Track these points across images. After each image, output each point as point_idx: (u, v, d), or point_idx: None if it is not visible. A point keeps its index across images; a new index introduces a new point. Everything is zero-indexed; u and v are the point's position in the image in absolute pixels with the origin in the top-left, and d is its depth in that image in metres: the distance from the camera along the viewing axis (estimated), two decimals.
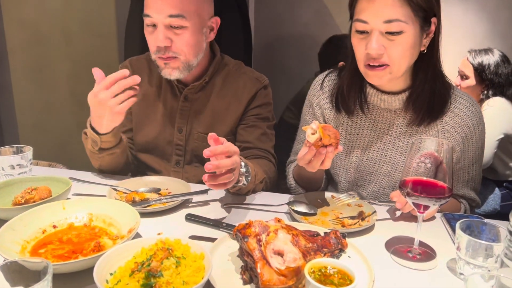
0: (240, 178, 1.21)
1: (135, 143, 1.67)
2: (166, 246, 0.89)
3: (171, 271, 0.81)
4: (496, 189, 2.64)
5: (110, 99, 1.28)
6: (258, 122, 1.60)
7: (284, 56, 3.94)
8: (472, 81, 2.55)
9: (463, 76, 2.59)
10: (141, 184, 1.39)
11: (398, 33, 1.17)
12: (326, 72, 1.52)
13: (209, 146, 1.50)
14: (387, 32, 1.18)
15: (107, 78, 1.28)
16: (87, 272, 0.91)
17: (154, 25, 1.39)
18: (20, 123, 2.99)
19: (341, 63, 2.76)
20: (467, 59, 2.57)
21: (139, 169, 1.69)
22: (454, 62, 2.56)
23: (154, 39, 1.40)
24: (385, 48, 1.20)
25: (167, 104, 1.59)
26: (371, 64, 1.23)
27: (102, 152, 1.43)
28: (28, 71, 2.93)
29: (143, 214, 1.17)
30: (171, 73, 1.45)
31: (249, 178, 1.25)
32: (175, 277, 0.81)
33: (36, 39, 2.91)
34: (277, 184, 1.72)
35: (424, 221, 1.14)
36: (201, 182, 1.40)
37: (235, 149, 1.14)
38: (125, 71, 1.29)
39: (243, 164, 1.22)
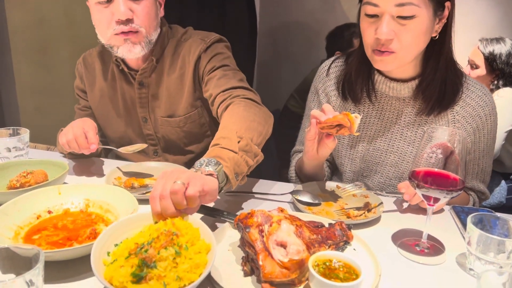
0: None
1: (109, 140, 1.63)
2: (174, 229, 0.81)
3: (167, 262, 0.75)
4: (503, 181, 2.59)
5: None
6: (210, 74, 1.40)
7: (290, 43, 3.86)
8: (482, 70, 2.49)
9: (473, 66, 2.52)
10: (140, 169, 1.35)
11: (410, 17, 1.12)
12: (332, 58, 1.47)
13: (175, 129, 1.51)
14: (398, 17, 1.12)
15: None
16: (82, 260, 0.87)
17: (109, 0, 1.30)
18: (21, 106, 2.95)
19: (337, 53, 2.71)
20: (478, 48, 2.50)
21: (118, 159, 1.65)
22: (464, 51, 2.49)
23: (111, 13, 1.30)
24: (395, 34, 1.14)
25: (125, 94, 1.51)
26: (381, 49, 1.18)
27: (70, 155, 1.45)
28: (30, 54, 2.88)
29: (142, 201, 1.13)
30: (132, 49, 1.35)
31: (215, 167, 0.95)
32: (170, 270, 0.74)
33: (38, 21, 2.86)
34: (281, 173, 1.68)
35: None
36: (187, 166, 1.37)
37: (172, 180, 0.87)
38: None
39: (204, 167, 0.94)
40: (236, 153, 1.01)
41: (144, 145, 1.37)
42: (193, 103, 1.48)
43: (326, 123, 1.11)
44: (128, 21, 1.31)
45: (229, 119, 1.14)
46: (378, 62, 1.21)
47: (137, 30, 1.34)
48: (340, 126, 1.09)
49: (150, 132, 1.54)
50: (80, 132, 1.26)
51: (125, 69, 1.47)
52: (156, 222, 0.87)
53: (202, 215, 1.04)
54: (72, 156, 1.45)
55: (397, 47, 1.16)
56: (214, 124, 1.55)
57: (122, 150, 1.36)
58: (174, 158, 1.56)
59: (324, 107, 1.15)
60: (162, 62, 1.47)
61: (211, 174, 0.92)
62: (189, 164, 1.29)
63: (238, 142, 1.03)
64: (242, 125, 1.09)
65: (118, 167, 1.32)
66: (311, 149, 1.21)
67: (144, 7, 1.33)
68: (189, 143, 1.55)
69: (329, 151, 1.20)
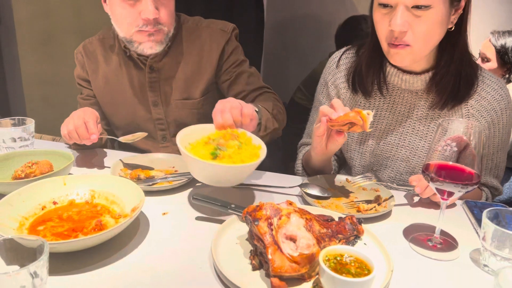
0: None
1: (114, 128, 1.61)
2: (234, 133, 1.08)
3: (233, 149, 1.04)
4: None
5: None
6: (238, 69, 1.53)
7: (297, 35, 3.82)
8: (493, 64, 2.44)
9: (484, 59, 2.48)
10: (146, 161, 1.33)
11: (426, 7, 1.08)
12: (343, 50, 1.43)
13: (189, 111, 1.52)
14: (413, 7, 1.08)
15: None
16: (87, 252, 0.86)
17: None
18: (27, 96, 2.95)
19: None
20: (489, 40, 2.45)
21: (127, 151, 1.63)
22: (476, 43, 2.44)
23: (138, 11, 1.31)
24: (409, 25, 1.11)
25: (134, 80, 1.51)
26: (394, 43, 1.14)
27: (74, 145, 1.42)
28: (36, 44, 2.87)
29: (148, 193, 1.12)
30: (154, 46, 1.38)
31: (259, 107, 1.29)
32: (236, 154, 1.03)
33: (44, 12, 2.84)
34: (288, 166, 1.66)
35: None
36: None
37: (230, 102, 1.14)
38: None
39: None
40: (270, 113, 1.39)
41: (144, 134, 1.35)
42: (210, 87, 1.53)
43: (337, 122, 1.08)
44: (155, 20, 1.33)
45: (266, 99, 1.47)
46: (394, 56, 1.17)
47: (160, 29, 1.36)
48: (351, 123, 1.07)
49: (160, 116, 1.53)
50: (81, 123, 1.25)
51: (134, 55, 1.47)
52: None
53: (195, 217, 1.02)
54: (76, 146, 1.43)
55: (411, 39, 1.12)
56: None
57: (122, 139, 1.34)
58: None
59: (334, 103, 1.11)
60: (175, 47, 1.49)
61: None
62: None
63: (269, 110, 1.39)
64: (271, 104, 1.43)
65: (120, 159, 1.31)
66: (319, 144, 1.18)
67: (168, 3, 1.35)
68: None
69: (338, 146, 1.17)
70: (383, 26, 1.15)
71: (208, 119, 1.53)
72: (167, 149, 1.54)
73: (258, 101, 1.45)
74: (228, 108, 1.10)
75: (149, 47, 1.38)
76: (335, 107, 1.10)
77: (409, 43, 1.13)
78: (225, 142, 1.06)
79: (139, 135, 1.34)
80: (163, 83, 1.50)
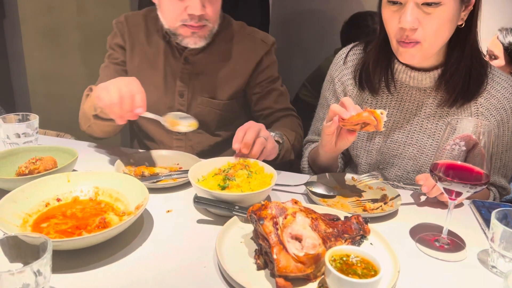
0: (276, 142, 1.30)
1: None
2: (245, 163, 1.13)
3: (242, 178, 1.07)
4: None
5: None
6: (271, 85, 1.55)
7: (302, 31, 3.79)
8: (501, 61, 2.41)
9: (492, 56, 2.45)
10: (150, 158, 1.32)
11: (436, 4, 1.06)
12: (350, 46, 1.42)
13: (212, 110, 1.51)
14: (423, 4, 1.07)
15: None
16: (91, 250, 0.85)
17: None
18: (31, 91, 2.94)
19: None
20: (497, 37, 2.42)
21: (139, 136, 1.62)
22: (484, 41, 2.42)
23: (182, 9, 1.31)
24: (419, 22, 1.09)
25: (167, 66, 1.50)
26: (405, 41, 1.12)
27: (96, 119, 1.29)
28: (40, 40, 2.87)
29: (152, 190, 1.11)
30: (197, 42, 1.39)
31: (283, 138, 1.35)
32: (245, 183, 1.06)
33: (48, 7, 2.84)
34: (293, 164, 1.64)
35: None
36: (205, 150, 1.35)
37: (259, 127, 1.19)
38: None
39: (272, 134, 1.30)
40: (290, 144, 1.44)
41: (195, 124, 1.27)
42: (237, 93, 1.54)
43: (349, 121, 1.06)
44: (200, 16, 1.32)
45: (290, 124, 1.54)
46: (404, 55, 1.16)
47: (204, 25, 1.35)
48: (364, 123, 1.05)
49: (183, 108, 1.52)
50: (129, 93, 1.11)
51: (173, 43, 1.47)
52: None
53: (197, 220, 1.01)
54: (98, 120, 1.28)
55: (421, 36, 1.10)
56: (244, 113, 1.61)
57: (169, 125, 1.24)
58: (198, 139, 1.54)
59: (345, 102, 1.10)
60: (214, 46, 1.48)
61: (277, 141, 1.33)
62: (214, 147, 1.41)
63: (291, 142, 1.45)
64: (294, 134, 1.49)
65: (125, 156, 1.30)
66: (329, 143, 1.17)
67: (216, 2, 1.34)
68: (219, 127, 1.57)
69: (348, 144, 1.16)
70: (392, 24, 1.13)
71: (226, 123, 1.54)
72: (181, 142, 1.54)
73: (283, 123, 1.52)
74: (252, 131, 1.15)
75: (193, 42, 1.39)
76: (346, 106, 1.09)
77: (419, 40, 1.11)
78: (234, 172, 1.09)
79: (192, 124, 1.27)
80: (194, 77, 1.50)
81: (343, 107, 1.09)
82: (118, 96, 1.09)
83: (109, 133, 1.40)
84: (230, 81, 1.51)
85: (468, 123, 0.89)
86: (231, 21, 1.55)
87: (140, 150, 1.39)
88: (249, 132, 1.15)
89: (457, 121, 0.89)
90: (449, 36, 1.15)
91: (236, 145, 1.15)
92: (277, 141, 1.31)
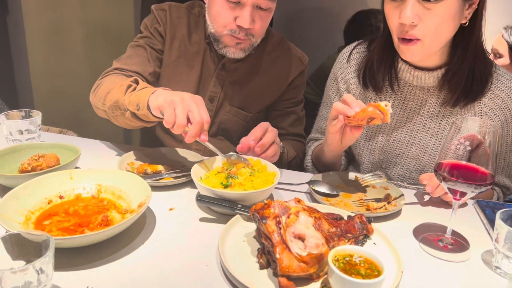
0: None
1: None
2: (248, 161, 1.15)
3: (245, 177, 1.07)
4: None
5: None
6: (292, 107, 1.55)
7: (305, 29, 3.77)
8: (506, 60, 2.39)
9: (497, 55, 2.43)
10: (153, 156, 1.32)
11: (437, 0, 1.05)
12: (354, 44, 1.41)
13: (239, 120, 1.52)
14: None
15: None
16: (93, 248, 0.85)
17: (239, 2, 1.26)
18: (34, 88, 2.94)
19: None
20: (502, 36, 2.41)
21: (158, 135, 1.56)
22: (489, 39, 2.40)
23: (234, 17, 1.28)
24: (420, 18, 1.08)
25: (204, 68, 1.47)
26: (404, 37, 1.12)
27: (133, 117, 1.16)
28: (44, 36, 2.87)
29: (155, 188, 1.11)
30: (236, 53, 1.37)
31: (284, 151, 1.37)
32: (248, 181, 1.06)
33: (51, 3, 2.83)
34: (296, 162, 1.63)
35: None
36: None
37: (271, 129, 1.22)
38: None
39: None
40: (288, 162, 1.46)
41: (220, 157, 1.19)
42: (266, 107, 1.54)
43: (355, 118, 1.06)
44: (247, 30, 1.30)
45: (296, 146, 1.55)
46: (405, 52, 1.15)
47: (250, 39, 1.34)
48: (371, 117, 1.05)
49: (210, 113, 1.47)
50: (199, 119, 1.03)
51: (215, 47, 1.42)
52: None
53: (199, 218, 1.00)
54: (134, 118, 1.17)
55: (422, 33, 1.10)
56: None
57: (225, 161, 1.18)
58: (218, 145, 1.39)
59: (347, 98, 1.09)
60: (254, 57, 1.47)
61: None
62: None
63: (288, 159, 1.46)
64: (295, 154, 1.51)
65: (127, 154, 1.29)
66: (334, 140, 1.16)
67: (266, 17, 1.32)
68: (241, 137, 1.38)
69: (354, 140, 1.16)
70: (393, 19, 1.13)
71: (246, 134, 1.51)
72: (200, 145, 1.44)
73: (290, 143, 1.52)
74: (270, 142, 1.19)
75: (232, 52, 1.36)
76: (349, 103, 1.08)
77: (419, 37, 1.10)
78: (236, 170, 1.10)
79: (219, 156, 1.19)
80: (228, 84, 1.48)
81: (346, 104, 1.09)
82: (185, 117, 1.02)
83: (132, 127, 1.29)
84: (262, 96, 1.50)
85: (473, 123, 0.89)
86: (272, 33, 1.52)
87: (143, 148, 1.39)
88: (268, 135, 1.18)
89: (462, 121, 0.89)
90: (451, 34, 1.14)
91: (252, 142, 1.16)
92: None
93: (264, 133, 1.20)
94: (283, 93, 1.53)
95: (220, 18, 1.31)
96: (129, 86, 1.18)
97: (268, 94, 1.51)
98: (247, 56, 1.43)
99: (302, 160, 1.53)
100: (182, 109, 1.02)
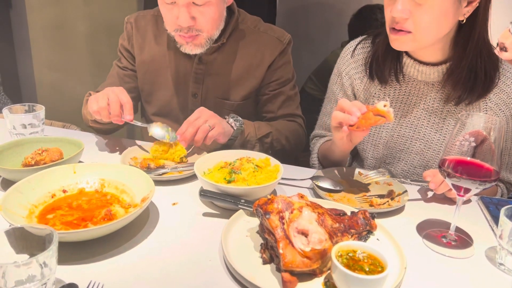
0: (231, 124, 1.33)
1: (146, 108, 1.58)
2: (251, 159, 1.14)
3: (248, 172, 1.07)
4: None
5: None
6: (279, 89, 1.51)
7: (309, 24, 3.76)
8: (510, 54, 2.38)
9: (503, 49, 2.42)
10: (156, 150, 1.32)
11: None
12: (358, 39, 1.40)
13: (226, 111, 1.49)
14: None
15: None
16: (96, 242, 0.85)
17: (174, 2, 1.26)
18: (37, 82, 2.94)
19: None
20: (509, 30, 2.39)
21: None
22: (494, 33, 2.38)
23: (174, 18, 1.28)
24: (410, 13, 1.08)
25: (180, 66, 1.48)
26: (395, 27, 1.12)
27: (94, 123, 1.38)
28: (47, 30, 2.86)
29: (158, 182, 1.11)
30: (193, 49, 1.36)
31: (242, 127, 1.35)
32: (251, 177, 1.07)
33: None
34: (298, 158, 1.63)
35: None
36: (218, 149, 1.33)
37: (206, 117, 1.25)
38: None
39: (231, 120, 1.34)
40: (258, 138, 1.43)
41: (167, 142, 1.30)
42: (251, 93, 1.51)
43: (359, 127, 1.06)
44: (189, 27, 1.30)
45: (281, 125, 1.50)
46: (394, 42, 1.16)
47: (197, 34, 1.33)
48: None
49: (196, 108, 1.46)
50: (116, 100, 1.21)
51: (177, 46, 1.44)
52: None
53: (203, 213, 1.00)
54: (95, 124, 1.38)
55: (412, 27, 1.10)
56: (257, 113, 1.59)
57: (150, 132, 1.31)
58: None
59: (344, 106, 1.08)
60: (229, 45, 1.46)
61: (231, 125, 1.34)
62: (225, 147, 1.36)
63: (258, 136, 1.42)
64: (271, 130, 1.46)
65: (131, 148, 1.29)
66: (342, 143, 1.16)
67: (207, 11, 1.30)
68: None
69: (363, 137, 1.16)
70: (387, 12, 1.15)
71: None
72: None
73: (271, 123, 1.49)
74: (195, 125, 1.22)
75: (189, 49, 1.37)
76: (348, 110, 1.07)
77: (410, 30, 1.11)
78: (240, 165, 1.10)
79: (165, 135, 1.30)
80: (208, 77, 1.47)
81: (344, 110, 1.08)
82: (105, 103, 1.20)
83: (112, 131, 1.45)
84: (243, 82, 1.48)
85: (479, 119, 0.88)
86: (246, 18, 1.50)
87: (146, 142, 1.39)
88: (190, 128, 1.22)
89: (467, 117, 0.88)
90: (446, 30, 1.13)
91: (178, 136, 1.24)
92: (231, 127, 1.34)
93: (196, 119, 1.23)
94: (264, 77, 1.49)
95: (166, 19, 1.34)
96: (86, 100, 1.41)
97: (249, 80, 1.48)
98: (222, 45, 1.44)
99: (296, 143, 1.53)
100: (102, 98, 1.21)
